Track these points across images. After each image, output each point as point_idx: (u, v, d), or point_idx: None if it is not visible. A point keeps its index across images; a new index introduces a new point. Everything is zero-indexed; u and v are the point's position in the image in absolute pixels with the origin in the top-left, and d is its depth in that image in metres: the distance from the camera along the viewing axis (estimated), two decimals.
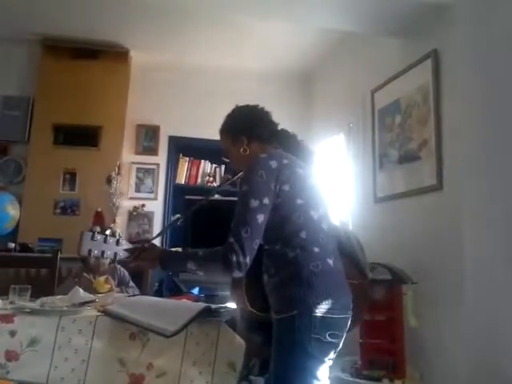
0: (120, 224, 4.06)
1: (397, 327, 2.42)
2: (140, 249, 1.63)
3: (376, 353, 2.43)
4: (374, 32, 3.18)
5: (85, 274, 2.76)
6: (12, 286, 1.85)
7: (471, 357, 2.28)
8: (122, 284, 2.84)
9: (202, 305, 1.73)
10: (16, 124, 4.09)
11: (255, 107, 1.77)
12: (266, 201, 1.47)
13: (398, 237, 2.89)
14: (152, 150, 4.42)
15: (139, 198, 4.32)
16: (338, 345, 1.47)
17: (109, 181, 3.98)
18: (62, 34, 4.06)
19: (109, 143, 4.12)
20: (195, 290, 2.90)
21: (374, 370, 2.39)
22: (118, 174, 4.02)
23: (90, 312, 1.74)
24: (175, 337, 1.54)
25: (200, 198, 2.08)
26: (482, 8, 2.45)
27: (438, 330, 2.49)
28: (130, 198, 4.28)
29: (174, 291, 2.81)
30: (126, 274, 2.92)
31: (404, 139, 2.95)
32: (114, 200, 3.97)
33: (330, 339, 1.42)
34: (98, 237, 1.58)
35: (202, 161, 4.53)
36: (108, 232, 1.64)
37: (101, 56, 4.21)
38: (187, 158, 4.51)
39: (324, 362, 1.44)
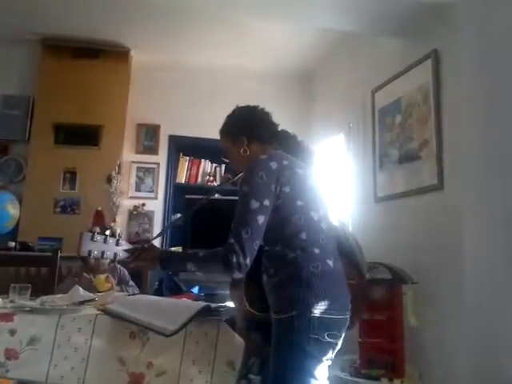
0: (120, 223, 4.06)
1: (397, 327, 2.42)
2: (140, 249, 1.63)
3: (375, 352, 2.43)
4: (374, 32, 3.18)
5: (85, 274, 2.76)
6: (12, 285, 1.84)
7: (471, 356, 2.28)
8: (121, 283, 2.84)
9: (201, 304, 1.73)
10: (16, 123, 4.09)
11: (255, 108, 1.77)
12: (266, 202, 1.47)
13: (398, 236, 2.89)
14: (152, 150, 4.42)
15: (139, 198, 4.32)
16: (336, 345, 1.48)
17: (109, 180, 3.98)
18: (63, 34, 4.06)
19: (109, 142, 4.12)
20: (195, 289, 2.90)
21: (373, 369, 2.40)
22: (119, 173, 4.02)
23: (90, 311, 1.74)
24: (175, 336, 1.55)
25: (200, 197, 2.08)
26: (482, 8, 2.45)
27: (438, 330, 2.49)
28: (130, 198, 4.28)
29: (174, 290, 2.81)
30: (126, 273, 2.92)
31: (404, 139, 2.95)
32: (115, 199, 3.97)
33: (328, 339, 1.43)
34: (98, 237, 1.58)
35: (202, 160, 4.52)
36: (108, 232, 1.64)
37: (101, 55, 4.21)
38: (187, 158, 4.51)
39: (322, 361, 1.44)
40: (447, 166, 2.58)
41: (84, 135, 4.10)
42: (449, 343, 2.43)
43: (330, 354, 1.47)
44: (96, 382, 1.59)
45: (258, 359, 1.67)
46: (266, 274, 1.53)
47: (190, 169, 4.51)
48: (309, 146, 1.88)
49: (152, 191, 4.36)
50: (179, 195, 4.16)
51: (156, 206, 4.34)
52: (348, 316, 1.51)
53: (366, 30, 3.14)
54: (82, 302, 1.83)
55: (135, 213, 4.26)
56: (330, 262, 1.51)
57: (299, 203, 1.53)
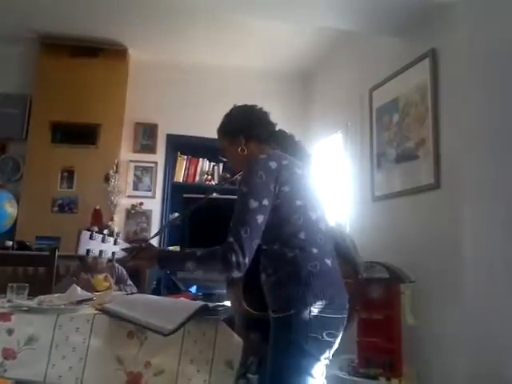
0: (118, 222, 4.05)
1: (394, 326, 2.43)
2: (138, 248, 1.63)
3: (373, 351, 2.43)
4: (372, 31, 3.18)
5: (82, 274, 2.75)
6: (9, 285, 1.84)
7: (469, 356, 2.28)
8: (119, 282, 2.84)
9: (199, 303, 1.73)
10: (14, 122, 4.08)
11: (253, 107, 1.76)
12: (265, 202, 1.47)
13: (395, 235, 2.89)
14: (150, 148, 4.41)
15: (137, 196, 4.31)
16: (334, 344, 1.48)
17: (107, 179, 3.97)
18: (61, 32, 4.04)
19: (107, 141, 4.11)
20: (193, 289, 2.90)
21: (371, 368, 2.40)
22: (116, 172, 4.02)
23: (88, 310, 1.74)
24: (173, 335, 1.55)
25: (198, 196, 2.08)
26: (481, 7, 2.45)
27: (436, 329, 2.50)
28: (128, 196, 4.27)
29: (172, 289, 2.82)
30: (124, 272, 2.92)
31: (402, 138, 2.96)
32: (112, 198, 3.96)
33: (327, 338, 1.43)
34: (96, 236, 1.58)
35: (200, 159, 4.52)
36: (106, 231, 1.64)
37: (99, 54, 4.19)
38: (185, 157, 4.50)
39: (320, 360, 1.45)
40: (444, 165, 2.58)
41: (82, 134, 4.09)
42: (446, 342, 2.43)
43: (328, 353, 1.47)
44: (94, 381, 1.59)
45: (256, 358, 1.67)
46: (265, 273, 1.53)
47: (188, 168, 4.50)
48: (306, 147, 1.88)
49: (150, 190, 4.35)
50: (177, 194, 4.15)
51: (154, 204, 4.34)
52: (346, 315, 1.51)
53: (364, 29, 3.15)
54: (80, 302, 1.83)
55: (133, 212, 4.25)
56: (329, 262, 1.51)
57: (298, 203, 1.53)
